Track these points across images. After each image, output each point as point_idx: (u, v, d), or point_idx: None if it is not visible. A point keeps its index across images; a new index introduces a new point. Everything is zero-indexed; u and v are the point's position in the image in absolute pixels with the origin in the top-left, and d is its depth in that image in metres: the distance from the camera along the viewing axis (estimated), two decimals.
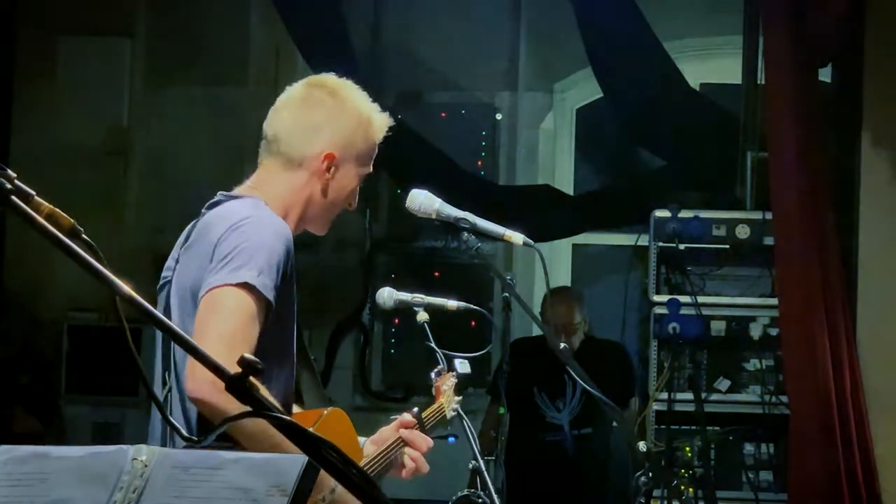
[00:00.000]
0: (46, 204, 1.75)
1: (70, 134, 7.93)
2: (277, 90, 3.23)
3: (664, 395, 6.00)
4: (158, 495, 1.86)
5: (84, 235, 1.75)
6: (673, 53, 6.74)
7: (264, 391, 2.75)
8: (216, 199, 3.12)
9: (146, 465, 1.89)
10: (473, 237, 3.53)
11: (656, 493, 5.70)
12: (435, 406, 3.67)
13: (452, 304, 3.99)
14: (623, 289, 6.39)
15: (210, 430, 2.75)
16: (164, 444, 2.86)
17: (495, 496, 3.68)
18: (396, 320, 7.82)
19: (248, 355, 1.71)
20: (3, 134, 6.82)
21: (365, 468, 3.14)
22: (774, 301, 5.79)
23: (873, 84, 5.81)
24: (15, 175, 1.72)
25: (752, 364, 6.03)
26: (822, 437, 5.52)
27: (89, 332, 7.85)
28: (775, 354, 5.97)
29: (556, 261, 7.75)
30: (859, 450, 5.54)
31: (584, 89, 7.91)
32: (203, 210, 3.13)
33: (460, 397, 3.82)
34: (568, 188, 7.87)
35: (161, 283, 3.12)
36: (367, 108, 3.13)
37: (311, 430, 2.80)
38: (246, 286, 2.81)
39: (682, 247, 6.08)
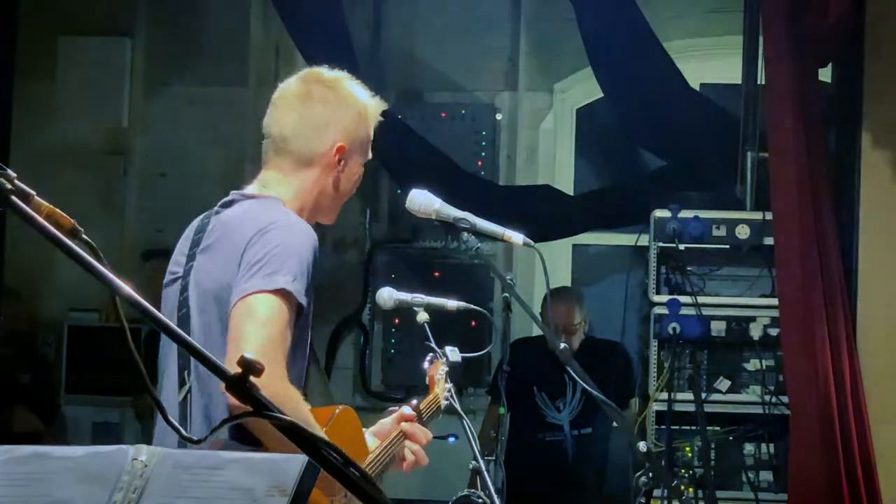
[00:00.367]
0: (46, 204, 1.75)
1: (70, 134, 7.93)
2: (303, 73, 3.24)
3: (664, 395, 6.00)
4: (158, 495, 1.86)
5: (84, 235, 1.75)
6: (673, 53, 6.74)
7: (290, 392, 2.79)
8: (230, 198, 3.15)
9: (146, 465, 1.89)
10: (473, 237, 3.54)
11: (656, 493, 5.69)
12: (430, 397, 3.70)
13: (452, 304, 4.00)
14: (623, 289, 6.39)
15: (245, 432, 2.78)
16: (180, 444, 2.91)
17: (495, 496, 3.68)
18: (396, 320, 7.81)
19: (248, 355, 1.71)
20: (3, 134, 6.81)
21: (370, 463, 3.17)
22: (774, 301, 5.79)
23: (873, 84, 5.81)
24: (15, 175, 1.72)
25: (752, 364, 6.03)
26: (822, 437, 5.52)
27: (89, 332, 7.86)
28: (775, 354, 5.97)
29: (556, 261, 7.74)
30: (859, 450, 5.54)
31: (584, 89, 7.90)
32: (217, 209, 3.14)
33: (451, 384, 3.82)
34: (568, 188, 7.87)
35: (169, 278, 3.11)
36: (364, 97, 3.20)
37: (318, 429, 2.84)
38: (282, 292, 2.85)
39: (682, 247, 6.08)
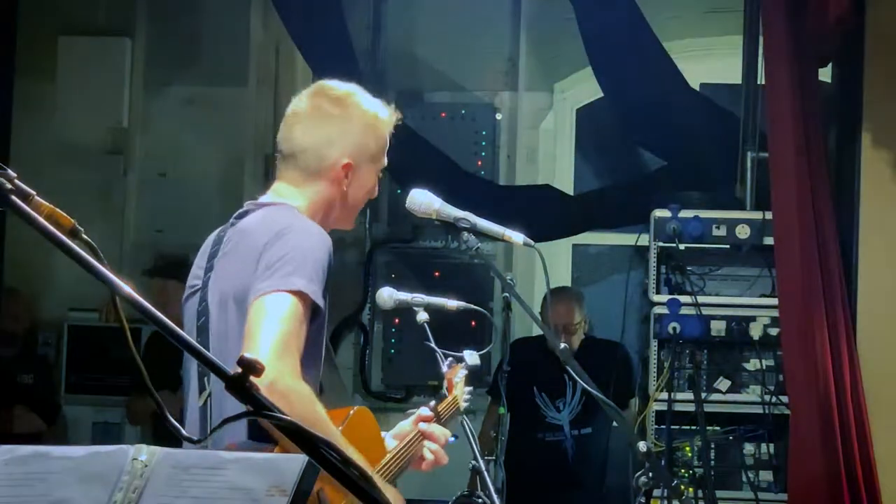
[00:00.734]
0: (46, 204, 1.75)
1: (70, 134, 7.93)
2: (277, 90, 3.29)
3: (664, 395, 6.00)
4: (158, 495, 1.86)
5: (84, 235, 1.75)
6: (673, 53, 6.74)
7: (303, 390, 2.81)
8: (244, 209, 3.22)
9: (146, 465, 1.89)
10: (473, 237, 3.54)
11: (656, 493, 5.69)
12: (449, 399, 3.74)
13: (452, 304, 4.00)
14: (623, 289, 6.39)
15: (262, 431, 2.79)
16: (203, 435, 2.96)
17: (495, 496, 3.68)
18: (396, 320, 7.81)
19: (248, 355, 1.71)
20: (3, 134, 6.81)
21: (387, 463, 3.19)
22: (774, 301, 5.79)
23: (873, 84, 5.81)
24: (15, 175, 1.72)
25: (752, 364, 6.03)
26: (822, 437, 5.52)
27: (89, 332, 7.86)
28: (775, 354, 5.97)
29: (556, 261, 7.74)
30: (859, 450, 5.54)
31: (584, 89, 7.90)
32: (232, 220, 3.22)
33: (470, 388, 3.86)
34: (568, 188, 7.87)
35: (188, 292, 3.18)
36: (373, 109, 3.25)
37: (329, 425, 2.85)
38: (298, 293, 2.90)
39: (682, 247, 6.08)
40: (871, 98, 5.80)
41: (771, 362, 6.00)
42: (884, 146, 5.80)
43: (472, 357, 3.91)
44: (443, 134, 7.69)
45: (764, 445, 6.01)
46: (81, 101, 7.80)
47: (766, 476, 6.02)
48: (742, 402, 6.02)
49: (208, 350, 3.00)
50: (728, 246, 6.13)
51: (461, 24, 7.95)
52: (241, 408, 2.88)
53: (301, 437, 1.70)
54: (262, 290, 2.91)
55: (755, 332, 6.01)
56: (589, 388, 3.59)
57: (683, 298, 6.02)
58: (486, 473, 3.67)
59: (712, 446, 6.04)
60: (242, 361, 1.70)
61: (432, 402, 3.48)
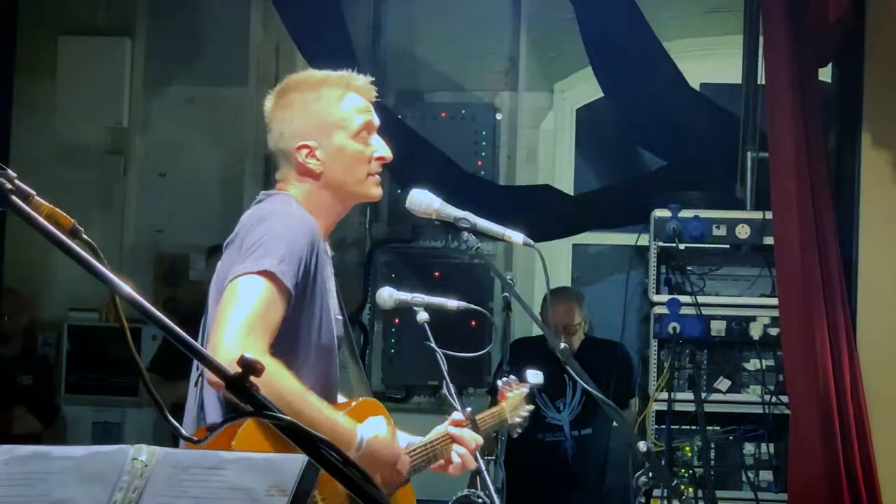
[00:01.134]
0: (46, 204, 1.75)
1: (70, 134, 7.93)
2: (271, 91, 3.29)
3: (664, 395, 6.00)
4: (158, 495, 1.86)
5: (84, 235, 1.75)
6: (673, 53, 6.74)
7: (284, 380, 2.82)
8: (258, 198, 3.24)
9: (146, 465, 1.89)
10: (473, 237, 3.53)
11: (656, 493, 5.70)
12: (495, 409, 3.76)
13: (452, 304, 4.00)
14: (623, 289, 6.39)
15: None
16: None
17: (495, 496, 3.68)
18: (396, 320, 7.81)
19: (248, 355, 1.71)
20: (3, 134, 6.81)
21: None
22: (774, 301, 5.79)
23: (873, 84, 5.81)
24: (15, 175, 1.72)
25: (752, 364, 6.03)
26: (822, 437, 5.52)
27: (89, 332, 7.86)
28: (775, 354, 5.97)
29: (556, 261, 7.74)
30: (859, 450, 5.54)
31: (584, 89, 7.90)
32: None
33: (532, 406, 3.91)
34: (568, 188, 7.86)
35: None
36: (313, 85, 3.23)
37: (304, 400, 2.85)
38: (266, 273, 2.90)
39: (682, 247, 6.08)
40: (871, 98, 5.80)
41: (771, 362, 6.00)
42: (884, 146, 5.80)
43: (535, 377, 3.95)
44: (443, 134, 7.69)
45: (764, 445, 6.01)
46: (81, 101, 7.80)
47: (766, 476, 6.02)
48: (742, 402, 6.02)
49: (203, 334, 3.08)
50: (728, 246, 6.13)
51: (461, 24, 7.94)
52: None
53: (301, 437, 1.70)
54: (234, 273, 2.93)
55: (755, 332, 6.01)
56: (589, 389, 3.59)
57: (683, 298, 6.02)
58: (486, 473, 3.67)
59: (712, 446, 6.04)
60: (242, 361, 1.70)
61: (468, 409, 3.49)
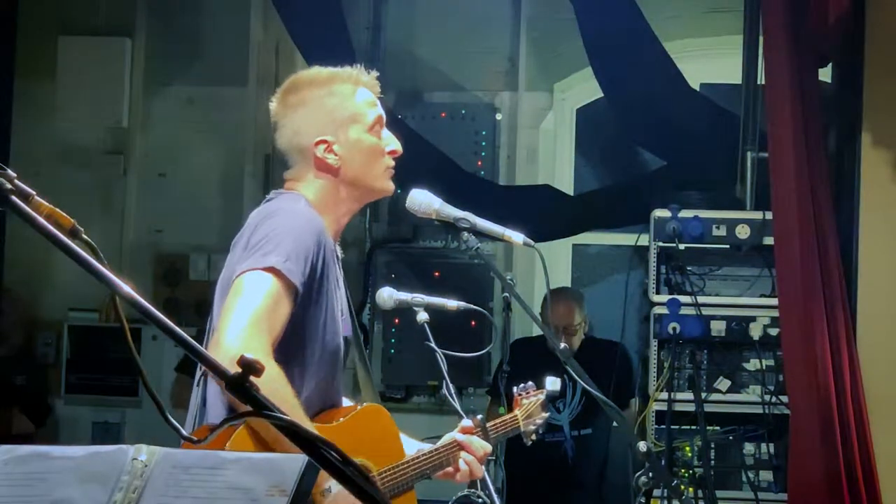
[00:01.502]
0: (46, 204, 1.75)
1: (70, 134, 7.93)
2: (277, 90, 3.29)
3: (664, 395, 6.00)
4: (158, 495, 1.86)
5: (84, 235, 1.75)
6: (673, 53, 6.73)
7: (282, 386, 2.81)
8: (267, 197, 3.24)
9: (146, 465, 1.89)
10: (473, 237, 3.53)
11: (656, 493, 5.70)
12: (508, 416, 3.75)
13: (452, 304, 3.99)
14: (623, 289, 6.39)
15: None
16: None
17: (495, 496, 3.68)
18: (396, 320, 7.81)
19: (249, 355, 1.71)
20: (3, 134, 6.81)
21: (405, 463, 3.19)
22: (774, 301, 5.79)
23: (873, 84, 5.81)
24: (15, 175, 1.72)
25: (752, 364, 6.03)
26: (822, 437, 5.52)
27: (89, 332, 7.86)
28: (775, 354, 5.97)
29: (556, 261, 7.74)
30: (859, 450, 5.54)
31: (584, 89, 7.90)
32: None
33: (548, 413, 3.92)
34: (568, 188, 7.86)
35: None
36: (325, 81, 3.24)
37: (298, 408, 2.83)
38: (272, 270, 2.89)
39: (682, 247, 6.08)
40: (871, 98, 5.80)
41: (771, 362, 6.00)
42: (884, 146, 5.80)
43: (553, 384, 3.94)
44: (443, 134, 7.69)
45: (764, 445, 6.01)
46: (81, 101, 7.80)
47: (766, 476, 6.02)
48: (742, 402, 6.02)
49: (207, 335, 3.06)
50: (728, 246, 6.13)
51: (461, 24, 7.95)
52: None
53: (301, 437, 1.70)
54: (239, 269, 2.92)
55: (755, 332, 6.01)
56: (589, 389, 3.59)
57: (683, 298, 6.02)
58: (486, 473, 3.67)
59: (712, 446, 6.03)
60: (242, 361, 1.70)
61: (478, 416, 3.48)
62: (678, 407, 6.01)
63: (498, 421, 3.65)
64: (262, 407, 1.70)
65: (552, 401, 6.53)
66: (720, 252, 6.16)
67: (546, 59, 8.05)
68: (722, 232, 6.06)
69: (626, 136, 7.25)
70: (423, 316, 3.81)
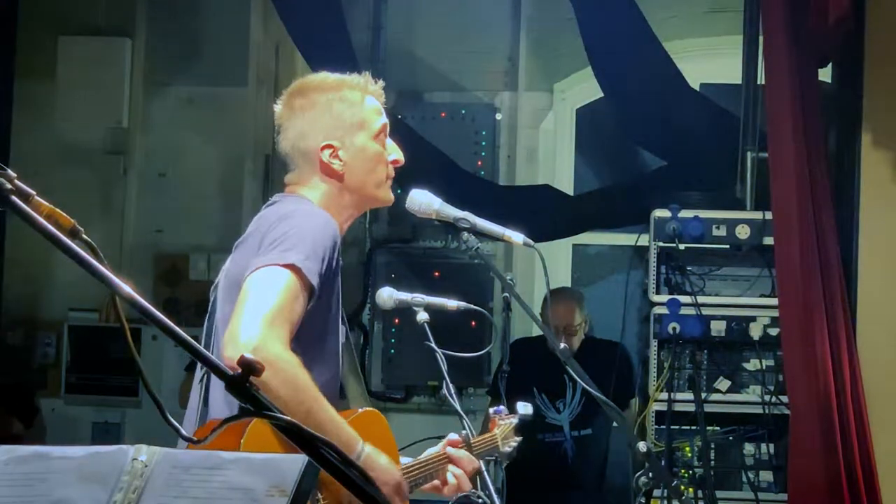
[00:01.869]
0: (46, 204, 1.75)
1: (70, 134, 7.93)
2: (277, 90, 3.30)
3: (664, 395, 6.00)
4: (158, 495, 1.86)
5: (84, 235, 1.75)
6: (673, 53, 6.74)
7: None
8: (270, 199, 3.23)
9: (146, 465, 1.89)
10: (473, 237, 3.53)
11: (656, 493, 5.70)
12: (487, 435, 3.77)
13: (452, 304, 3.99)
14: (623, 289, 6.39)
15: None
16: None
17: (495, 496, 3.67)
18: (396, 320, 7.81)
19: (248, 355, 1.71)
20: (3, 134, 6.81)
21: (404, 471, 3.18)
22: (774, 301, 5.79)
23: (873, 84, 5.81)
24: (15, 175, 1.72)
25: (752, 364, 6.03)
26: (822, 437, 5.52)
27: (89, 332, 7.86)
28: (775, 354, 5.97)
29: (556, 261, 7.74)
30: (859, 450, 5.54)
31: (584, 89, 7.90)
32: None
33: (520, 438, 3.93)
34: (568, 188, 7.87)
35: (214, 285, 3.19)
36: (336, 81, 3.24)
37: (316, 392, 2.84)
38: (292, 267, 2.88)
39: (682, 247, 6.08)
40: (871, 98, 5.81)
41: (771, 362, 6.01)
42: (884, 146, 5.80)
43: (525, 408, 3.97)
44: (443, 134, 7.69)
45: (764, 445, 6.01)
46: (81, 101, 7.80)
47: (766, 476, 6.02)
48: (742, 402, 6.02)
49: (212, 335, 3.06)
50: (728, 246, 6.13)
51: (461, 24, 7.95)
52: None
53: (301, 437, 1.70)
54: (257, 264, 2.90)
55: (755, 332, 6.01)
56: (589, 389, 3.59)
57: (683, 298, 6.02)
58: (486, 473, 3.67)
59: (712, 446, 6.03)
60: (242, 361, 1.70)
61: (464, 431, 3.48)
62: (678, 407, 6.01)
63: (479, 439, 3.65)
64: (262, 407, 1.70)
65: (552, 398, 6.56)
66: (720, 252, 6.16)
67: (546, 59, 8.05)
68: (722, 232, 6.06)
69: (626, 136, 7.26)
70: (423, 316, 3.81)
